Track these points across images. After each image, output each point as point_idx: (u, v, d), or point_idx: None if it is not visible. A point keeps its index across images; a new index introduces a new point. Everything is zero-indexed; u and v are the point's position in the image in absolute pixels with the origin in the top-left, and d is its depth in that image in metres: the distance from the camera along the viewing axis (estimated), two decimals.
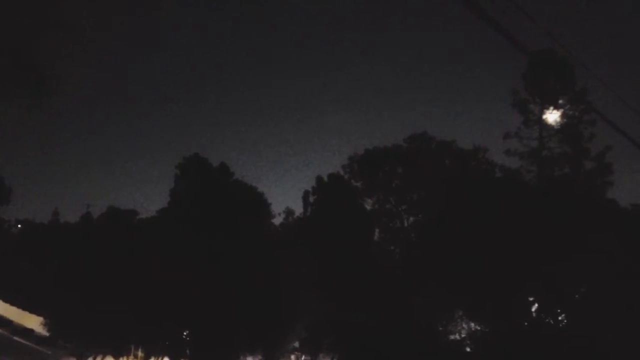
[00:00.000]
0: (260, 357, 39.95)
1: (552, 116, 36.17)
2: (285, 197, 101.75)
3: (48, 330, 45.66)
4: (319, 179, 38.75)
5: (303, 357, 42.93)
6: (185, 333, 38.83)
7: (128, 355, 43.84)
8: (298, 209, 40.68)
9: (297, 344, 40.73)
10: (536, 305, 30.82)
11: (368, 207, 38.33)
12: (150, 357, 43.29)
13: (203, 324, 34.82)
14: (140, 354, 44.22)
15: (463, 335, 32.56)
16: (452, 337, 32.72)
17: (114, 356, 43.03)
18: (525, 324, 30.00)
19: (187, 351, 38.54)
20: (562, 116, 36.01)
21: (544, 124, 36.21)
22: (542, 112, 36.24)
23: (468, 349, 31.60)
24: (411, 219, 37.92)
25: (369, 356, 30.32)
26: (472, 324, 32.25)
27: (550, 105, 36.14)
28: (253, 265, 34.69)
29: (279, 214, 40.55)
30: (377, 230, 38.00)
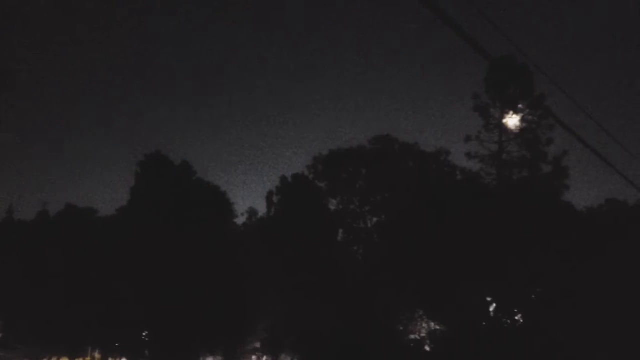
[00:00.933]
0: (220, 357, 39.59)
1: (512, 121, 37.06)
2: (249, 197, 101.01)
3: (0, 332, 44.07)
4: (283, 179, 38.68)
5: (264, 358, 42.75)
6: (144, 334, 38.13)
7: (85, 357, 42.75)
8: (262, 209, 40.45)
9: (258, 345, 40.53)
10: (494, 305, 31.54)
11: (332, 208, 38.51)
12: (107, 359, 42.33)
13: (163, 324, 34.27)
14: (97, 355, 43.19)
15: (423, 335, 33.05)
16: (412, 336, 33.18)
17: (69, 358, 41.88)
18: (484, 323, 30.67)
19: (147, 352, 37.84)
20: (522, 121, 36.94)
21: (504, 128, 37.06)
22: (502, 117, 37.08)
23: (427, 348, 32.11)
24: (374, 219, 38.27)
25: (330, 357, 30.44)
26: (432, 324, 32.78)
27: (510, 110, 37.03)
28: (214, 266, 34.36)
29: (242, 214, 40.23)
30: (340, 231, 38.20)
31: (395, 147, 39.81)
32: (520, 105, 37.12)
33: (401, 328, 32.92)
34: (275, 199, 38.83)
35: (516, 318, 31.57)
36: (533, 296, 31.67)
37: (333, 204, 38.57)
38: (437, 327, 32.24)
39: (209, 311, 34.43)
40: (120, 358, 41.31)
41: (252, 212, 40.19)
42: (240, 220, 40.72)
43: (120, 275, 35.23)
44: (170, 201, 37.17)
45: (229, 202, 38.50)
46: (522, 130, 36.90)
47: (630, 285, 31.32)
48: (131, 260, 35.02)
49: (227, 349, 37.75)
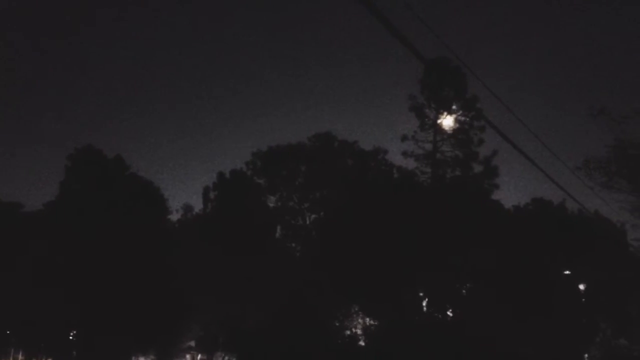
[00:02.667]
0: (153, 357, 38.63)
1: (446, 121, 38.28)
2: (184, 192, 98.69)
3: None
4: (220, 174, 38.09)
5: (199, 356, 42.12)
6: (72, 334, 36.58)
7: (7, 359, 40.50)
8: (198, 205, 39.65)
9: (193, 343, 39.85)
10: (426, 300, 32.54)
11: (271, 205, 38.37)
12: None
13: (91, 324, 33.00)
14: (20, 357, 41.03)
15: (359, 331, 33.63)
16: (348, 332, 33.67)
17: None
18: (416, 317, 31.58)
19: (74, 353, 36.32)
20: (455, 121, 38.24)
21: (438, 129, 38.24)
22: (436, 117, 38.23)
23: (362, 343, 32.70)
24: (313, 216, 38.50)
25: (264, 354, 30.38)
26: (368, 319, 33.40)
27: (444, 110, 38.23)
28: (147, 263, 33.42)
29: (177, 210, 39.28)
30: (279, 228, 38.14)
31: (335, 144, 40.18)
32: (453, 107, 38.42)
33: (337, 324, 33.32)
34: (212, 195, 38.18)
35: (448, 312, 32.72)
36: (464, 291, 32.91)
37: (271, 201, 38.46)
38: (372, 323, 32.89)
39: (140, 310, 33.48)
40: (46, 359, 39.45)
41: (187, 208, 39.32)
42: (175, 216, 39.81)
43: (46, 272, 33.61)
44: (101, 196, 35.82)
45: (163, 197, 37.50)
46: (455, 131, 38.19)
47: (553, 280, 33.22)
48: (58, 257, 33.48)
49: (159, 348, 36.86)
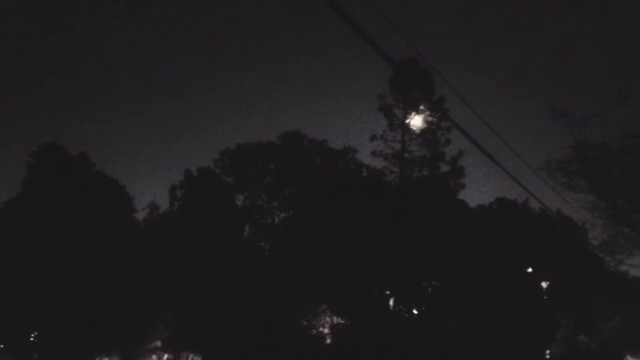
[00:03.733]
0: (117, 358, 37.92)
1: (414, 121, 38.76)
2: (150, 191, 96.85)
3: None
4: (187, 172, 37.58)
5: (165, 357, 41.56)
6: (33, 335, 35.60)
7: None
8: (164, 204, 39.02)
9: (159, 343, 39.31)
10: (393, 298, 32.91)
11: (239, 203, 38.06)
12: None
13: (54, 324, 32.21)
14: None
15: (326, 330, 33.78)
16: (315, 330, 33.78)
17: None
18: (383, 316, 31.90)
19: (35, 354, 35.37)
20: (423, 122, 38.74)
21: (406, 128, 38.69)
22: (405, 117, 38.67)
23: (329, 341, 32.86)
24: (282, 215, 38.37)
25: (232, 353, 30.23)
26: (335, 318, 33.57)
27: (412, 111, 38.69)
28: (111, 262, 32.80)
29: (143, 209, 38.57)
30: (247, 227, 37.89)
31: (304, 143, 40.14)
32: (421, 107, 38.91)
33: (305, 323, 33.38)
34: (179, 193, 37.63)
35: (414, 311, 33.16)
36: (430, 289, 33.38)
37: (240, 200, 38.16)
38: (340, 321, 33.08)
39: (104, 309, 32.84)
40: None
41: (153, 207, 38.64)
42: (141, 215, 39.10)
43: (6, 271, 32.64)
44: (65, 194, 34.96)
45: (128, 196, 36.79)
46: (423, 131, 38.69)
47: (516, 278, 34.02)
48: (19, 255, 32.54)
49: (124, 349, 36.24)
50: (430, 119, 38.44)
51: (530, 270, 36.64)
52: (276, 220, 37.73)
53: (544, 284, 38.19)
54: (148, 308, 34.83)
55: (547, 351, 39.06)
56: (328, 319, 33.78)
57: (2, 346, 35.88)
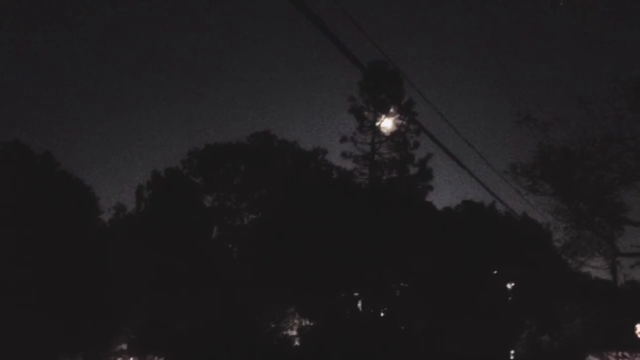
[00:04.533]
0: None
1: (384, 124, 39.12)
2: (117, 191, 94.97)
3: None
4: (155, 173, 36.99)
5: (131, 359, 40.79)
6: None
7: None
8: (131, 205, 38.27)
9: (124, 346, 38.55)
10: (361, 300, 33.07)
11: (207, 205, 37.64)
12: None
13: (13, 329, 31.25)
14: None
15: (294, 332, 33.70)
16: (284, 333, 33.67)
17: None
18: (351, 317, 32.01)
19: None
20: (393, 124, 39.13)
21: (376, 131, 39.01)
22: (375, 120, 39.01)
23: (297, 343, 32.81)
24: (251, 216, 38.12)
25: (198, 357, 29.87)
26: (304, 320, 33.52)
27: (382, 113, 39.04)
28: (75, 263, 32.03)
29: (109, 210, 37.75)
30: (215, 228, 37.50)
31: (275, 144, 39.97)
32: (391, 110, 39.30)
33: (273, 325, 33.24)
34: (146, 194, 37.00)
35: (382, 314, 33.38)
36: (398, 291, 33.66)
37: (208, 201, 37.75)
38: (308, 323, 33.05)
39: (68, 312, 32.04)
40: None
41: (119, 208, 37.83)
42: (107, 215, 38.26)
43: None
44: (28, 194, 33.99)
45: (94, 196, 36.00)
46: (392, 133, 39.10)
47: (482, 279, 34.54)
48: None
49: (88, 353, 35.41)
50: (400, 121, 38.88)
51: (496, 272, 37.31)
52: (245, 222, 37.47)
53: (509, 286, 38.95)
54: (113, 310, 34.14)
55: (512, 351, 39.83)
56: (296, 321, 33.71)
57: None
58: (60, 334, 32.32)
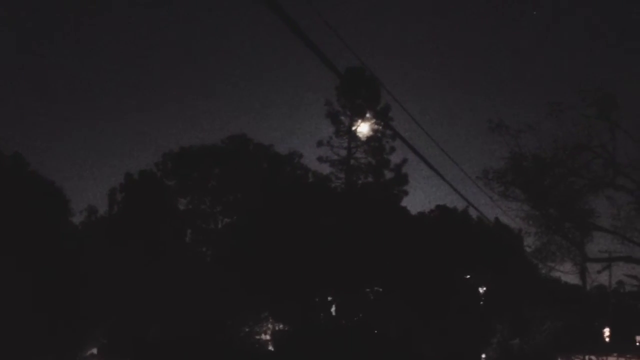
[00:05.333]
0: None
1: (361, 128, 39.38)
2: (89, 194, 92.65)
3: None
4: (128, 175, 36.47)
5: None
6: None
7: None
8: (103, 207, 37.64)
9: (95, 351, 37.86)
10: (335, 304, 33.11)
11: (181, 208, 37.24)
12: None
13: None
14: None
15: (268, 337, 33.56)
16: (258, 337, 33.49)
17: None
18: (325, 321, 32.02)
19: None
20: (369, 129, 39.41)
21: (353, 135, 39.23)
22: (351, 124, 39.23)
23: (271, 348, 32.66)
24: (226, 220, 37.81)
25: None
26: (277, 325, 33.40)
27: (358, 118, 39.29)
28: (44, 266, 31.34)
29: (80, 212, 37.04)
30: (189, 232, 37.12)
31: (250, 147, 39.78)
32: (367, 115, 39.57)
33: (246, 329, 33.03)
34: (119, 196, 36.44)
35: (355, 318, 33.46)
36: (372, 295, 33.79)
37: (182, 204, 37.35)
38: (282, 328, 32.94)
39: (37, 317, 31.32)
40: None
41: (91, 210, 37.15)
42: (79, 218, 37.54)
43: None
44: None
45: (65, 198, 35.30)
46: (368, 138, 39.37)
47: (455, 284, 34.88)
48: None
49: (58, 356, 34.66)
50: (376, 126, 39.16)
51: (468, 276, 37.75)
52: (219, 226, 37.18)
53: (481, 290, 39.45)
54: (84, 313, 33.51)
55: (483, 355, 40.32)
56: (270, 325, 33.56)
57: None
58: (29, 335, 31.61)
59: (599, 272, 35.44)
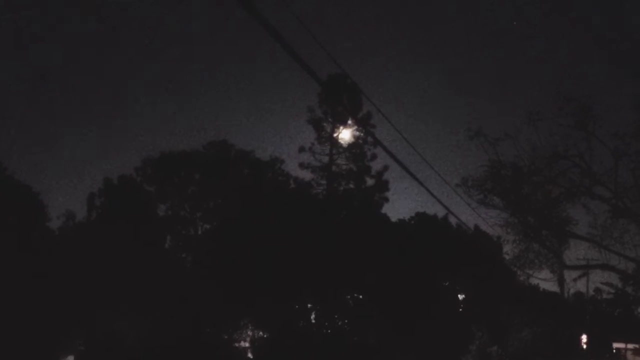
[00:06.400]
0: None
1: (343, 135, 39.46)
2: (67, 199, 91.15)
3: None
4: (107, 180, 36.05)
5: None
6: None
7: None
8: (81, 213, 37.10)
9: (72, 358, 37.21)
10: (314, 311, 33.00)
11: (161, 214, 36.88)
12: None
13: None
14: None
15: (247, 344, 33.29)
16: (237, 344, 33.20)
17: None
18: (303, 329, 31.88)
19: None
20: (351, 136, 39.50)
21: (335, 142, 39.28)
22: (333, 131, 39.28)
23: (250, 355, 32.41)
24: (206, 226, 37.53)
25: None
26: (257, 332, 33.17)
27: (340, 125, 39.37)
28: (21, 272, 30.74)
29: (58, 217, 36.47)
30: (169, 238, 36.76)
31: (232, 153, 39.61)
32: (349, 121, 39.68)
33: (226, 337, 32.73)
34: (97, 201, 35.96)
35: (336, 323, 33.38)
36: (351, 303, 33.74)
37: (162, 209, 37.01)
38: (261, 335, 32.72)
39: (12, 324, 30.67)
40: None
41: (69, 215, 36.60)
42: (56, 223, 36.93)
43: None
44: None
45: (42, 203, 34.75)
46: (350, 145, 39.45)
47: (435, 290, 35.02)
48: None
49: None
50: (358, 133, 39.27)
51: (448, 283, 37.95)
52: (199, 232, 36.88)
53: (460, 297, 39.66)
54: (61, 322, 32.89)
55: None
56: (250, 332, 33.31)
57: None
58: (3, 345, 30.94)
59: (574, 279, 35.85)
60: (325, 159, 39.49)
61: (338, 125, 39.47)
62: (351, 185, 39.09)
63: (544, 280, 33.10)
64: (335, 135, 39.38)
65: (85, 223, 36.33)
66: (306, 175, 39.01)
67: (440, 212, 37.95)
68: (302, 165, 39.37)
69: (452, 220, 36.98)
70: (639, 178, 22.23)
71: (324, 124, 39.37)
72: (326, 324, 32.58)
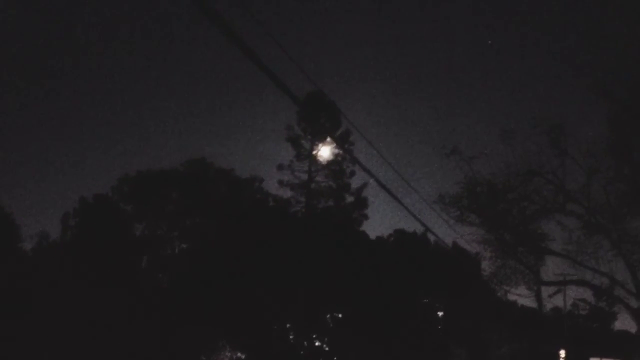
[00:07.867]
0: None
1: (322, 152, 39.55)
2: (41, 219, 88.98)
3: None
4: (82, 200, 35.48)
5: None
6: None
7: None
8: (55, 233, 36.40)
9: None
10: (293, 331, 32.69)
11: (137, 233, 36.33)
12: None
13: None
14: None
15: None
16: None
17: None
18: (282, 349, 31.53)
19: None
20: (330, 153, 39.61)
21: (313, 159, 39.33)
22: (312, 148, 39.36)
23: None
24: (183, 245, 37.07)
25: None
26: (235, 353, 32.69)
27: (319, 142, 39.49)
28: None
29: (31, 237, 35.74)
30: (145, 257, 36.19)
31: (210, 171, 39.35)
32: (328, 139, 39.83)
33: (204, 358, 32.18)
34: (72, 221, 35.33)
35: (315, 343, 33.10)
36: (331, 323, 33.51)
37: (139, 229, 36.47)
38: (239, 356, 32.26)
39: None
40: None
41: (42, 236, 35.87)
42: (30, 244, 36.17)
43: None
44: None
45: (14, 223, 34.05)
46: (329, 162, 39.55)
47: (414, 307, 34.97)
48: None
49: None
50: (337, 150, 39.40)
51: (427, 300, 37.97)
52: (176, 251, 36.41)
53: (440, 314, 39.68)
54: (34, 342, 32.03)
55: None
56: (228, 354, 32.80)
57: None
58: None
59: (550, 296, 36.11)
60: (304, 177, 39.52)
61: (317, 142, 39.61)
62: (330, 203, 39.09)
63: (522, 297, 33.33)
64: (314, 152, 39.47)
65: (59, 243, 35.64)
66: (285, 193, 38.98)
67: (420, 229, 38.12)
68: (281, 183, 39.34)
69: (431, 237, 37.19)
70: (610, 195, 22.64)
71: (303, 142, 39.47)
72: (305, 344, 32.26)
